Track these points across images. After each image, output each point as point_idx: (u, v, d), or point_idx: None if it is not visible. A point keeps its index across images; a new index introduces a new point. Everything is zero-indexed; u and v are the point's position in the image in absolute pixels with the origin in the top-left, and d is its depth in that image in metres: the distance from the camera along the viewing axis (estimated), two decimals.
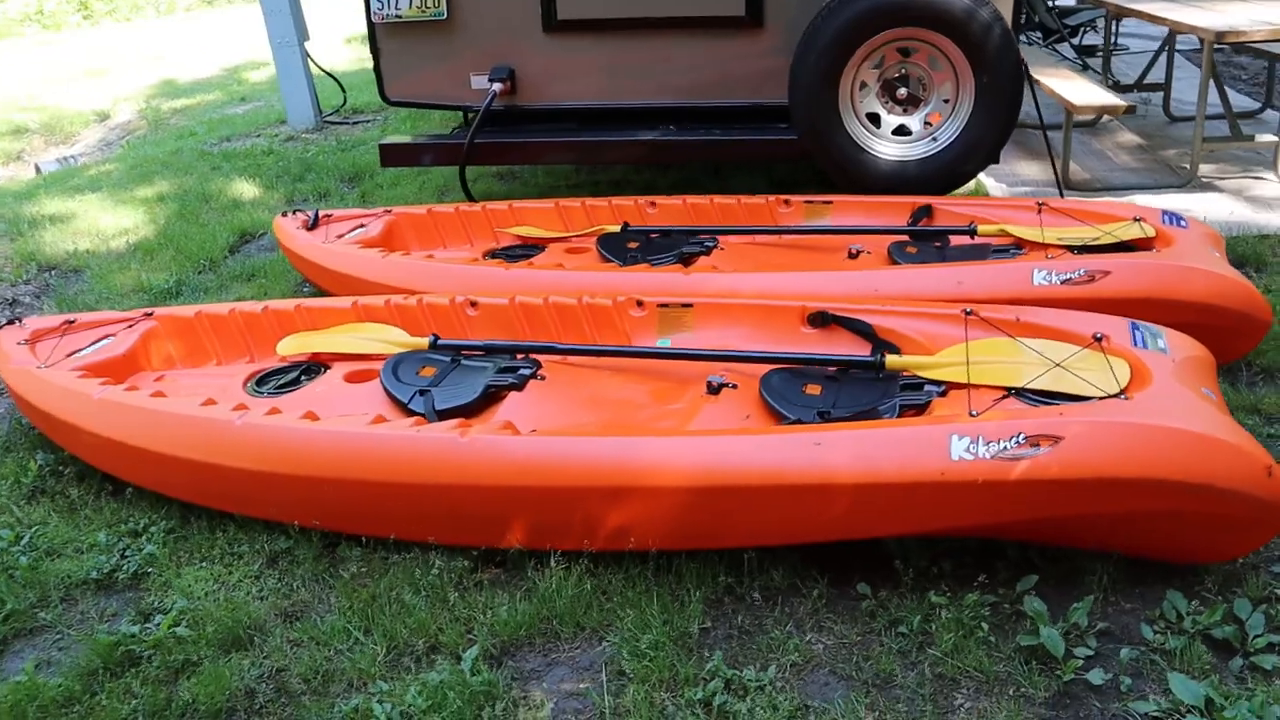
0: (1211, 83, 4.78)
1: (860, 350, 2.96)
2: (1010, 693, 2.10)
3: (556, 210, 4.44)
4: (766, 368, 2.87)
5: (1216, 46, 4.70)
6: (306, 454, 2.58)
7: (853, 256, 3.77)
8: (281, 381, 3.21)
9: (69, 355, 3.32)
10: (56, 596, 2.62)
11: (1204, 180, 5.01)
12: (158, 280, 4.74)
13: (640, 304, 3.28)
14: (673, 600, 2.37)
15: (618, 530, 2.40)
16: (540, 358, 3.08)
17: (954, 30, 3.90)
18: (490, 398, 2.91)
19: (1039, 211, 3.75)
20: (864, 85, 4.13)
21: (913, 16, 3.89)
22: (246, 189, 6.18)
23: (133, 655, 2.37)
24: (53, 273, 5.07)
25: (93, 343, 3.43)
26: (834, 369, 2.83)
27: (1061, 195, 4.61)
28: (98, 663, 2.35)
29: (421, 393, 2.92)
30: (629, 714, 2.09)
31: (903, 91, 4.11)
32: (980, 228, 3.68)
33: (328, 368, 3.26)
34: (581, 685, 2.20)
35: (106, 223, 5.73)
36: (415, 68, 4.78)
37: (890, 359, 2.75)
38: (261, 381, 3.23)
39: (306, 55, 7.64)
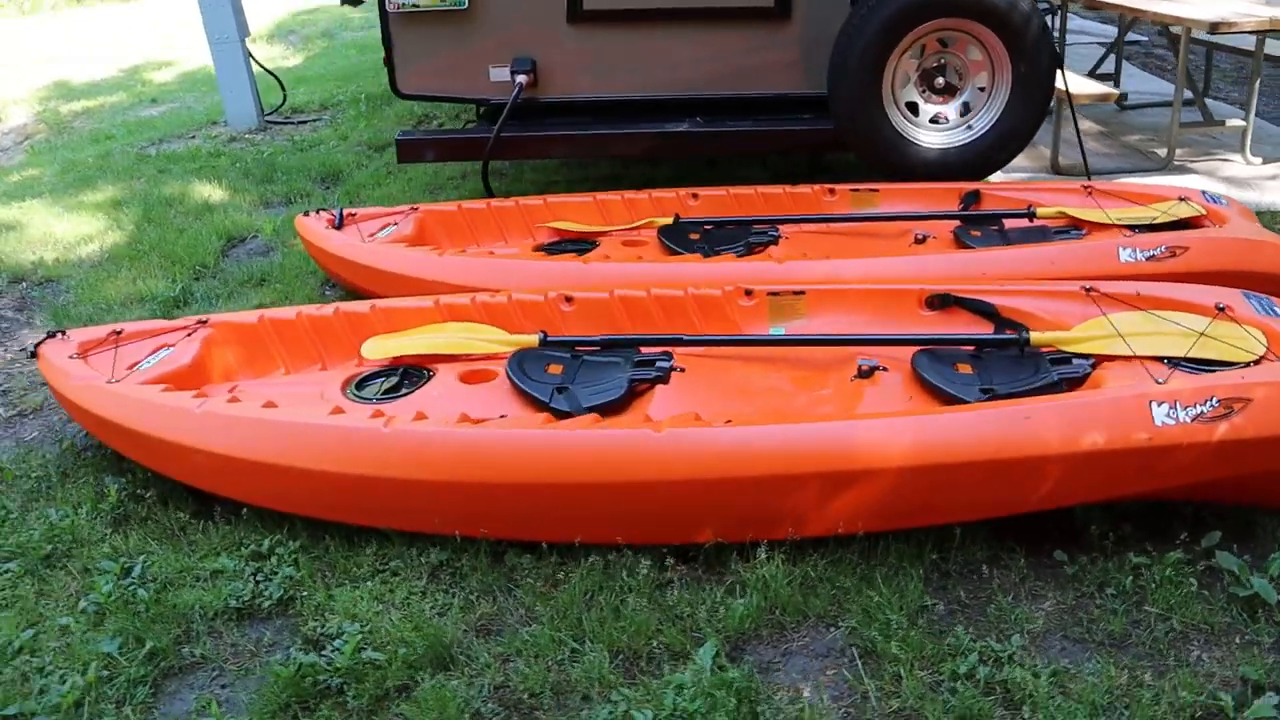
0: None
1: (978, 331, 3.02)
2: (1238, 641, 2.18)
3: (595, 204, 4.35)
4: (902, 350, 2.89)
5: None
6: (475, 459, 2.43)
7: (919, 241, 3.84)
8: (386, 386, 3.01)
9: (131, 368, 3.04)
10: (200, 629, 2.38)
11: (1177, 164, 5.34)
12: (157, 288, 4.38)
13: (749, 293, 3.24)
14: (893, 579, 2.35)
15: (829, 515, 2.36)
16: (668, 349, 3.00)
17: (996, 21, 4.03)
18: (632, 393, 2.82)
19: (1089, 194, 3.92)
20: (905, 75, 4.21)
21: (959, 7, 3.99)
22: (211, 192, 5.78)
23: (323, 685, 2.17)
24: (23, 284, 4.62)
25: (151, 353, 3.14)
26: (972, 348, 2.87)
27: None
28: (286, 696, 2.15)
29: (559, 390, 2.80)
30: (894, 695, 2.07)
31: (941, 81, 4.21)
32: (1039, 210, 3.81)
33: (429, 371, 3.09)
34: (829, 671, 2.15)
35: (63, 230, 5.26)
36: (430, 60, 4.58)
37: (1034, 335, 2.81)
38: (361, 386, 3.03)
39: (248, 53, 7.21)
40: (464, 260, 3.78)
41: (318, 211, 4.26)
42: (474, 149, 4.62)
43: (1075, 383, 2.67)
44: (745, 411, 2.73)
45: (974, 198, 4.05)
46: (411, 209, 4.35)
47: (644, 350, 3.01)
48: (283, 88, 7.78)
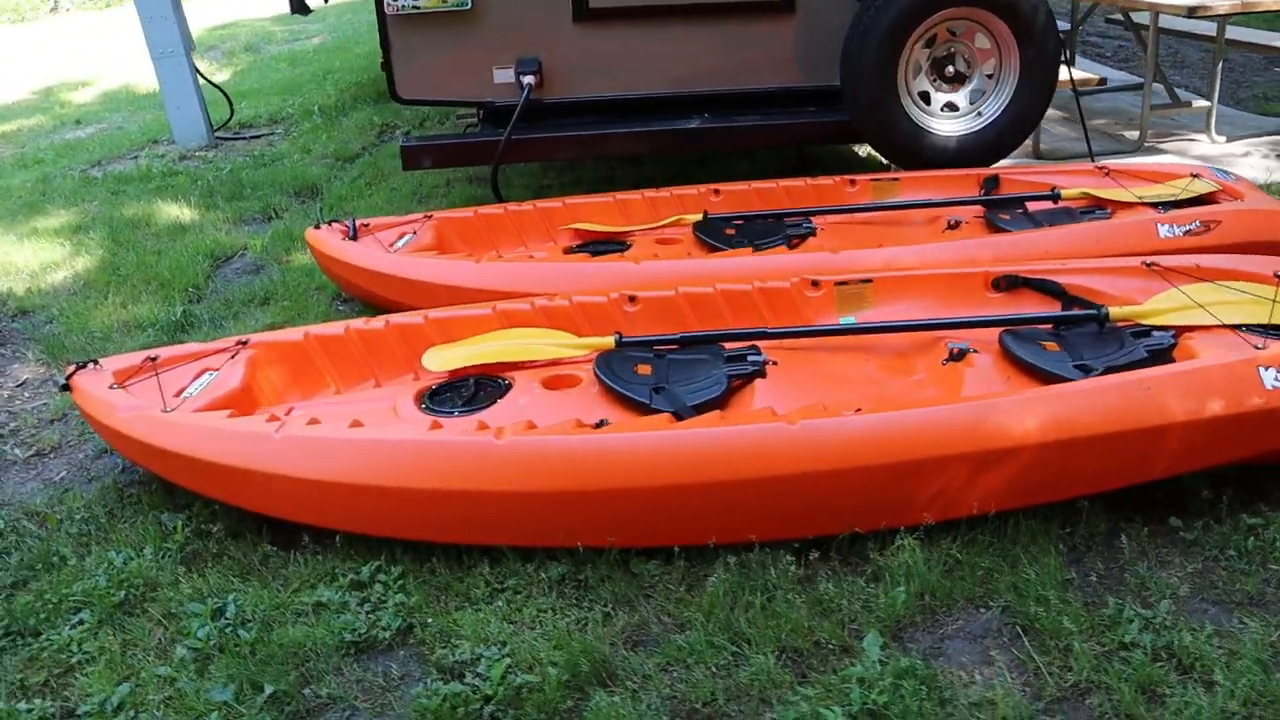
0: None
1: (1046, 310, 3.05)
2: None
3: (616, 204, 4.27)
4: (979, 332, 2.89)
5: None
6: (603, 466, 2.32)
7: (952, 227, 3.87)
8: (466, 396, 2.88)
9: (178, 395, 2.83)
10: (320, 668, 2.21)
11: (1148, 146, 5.54)
12: (153, 313, 4.11)
13: (816, 284, 3.21)
14: (1032, 556, 2.34)
15: (965, 497, 2.34)
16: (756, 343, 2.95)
17: (1006, 9, 4.10)
18: (730, 389, 2.75)
19: (1107, 174, 4.01)
20: (917, 65, 4.25)
21: None
22: (178, 211, 5.48)
23: (475, 714, 2.04)
24: None
25: (194, 378, 2.93)
26: (1050, 326, 2.90)
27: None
28: None
29: (655, 391, 2.71)
30: (1066, 669, 2.05)
31: (951, 70, 4.27)
32: (1064, 192, 3.88)
33: (504, 379, 2.96)
34: (993, 652, 2.13)
35: (23, 259, 4.92)
36: (431, 63, 4.42)
37: (1113, 310, 2.85)
38: (436, 399, 2.88)
39: (194, 66, 6.88)
40: (503, 266, 3.66)
41: (330, 223, 4.06)
42: (483, 153, 4.48)
43: (1162, 354, 2.71)
44: (850, 400, 2.69)
45: (994, 183, 4.11)
46: (426, 217, 4.19)
47: (727, 346, 2.94)
48: (230, 102, 7.46)
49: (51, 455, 3.18)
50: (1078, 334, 2.84)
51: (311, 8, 8.09)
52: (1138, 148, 5.48)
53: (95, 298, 4.36)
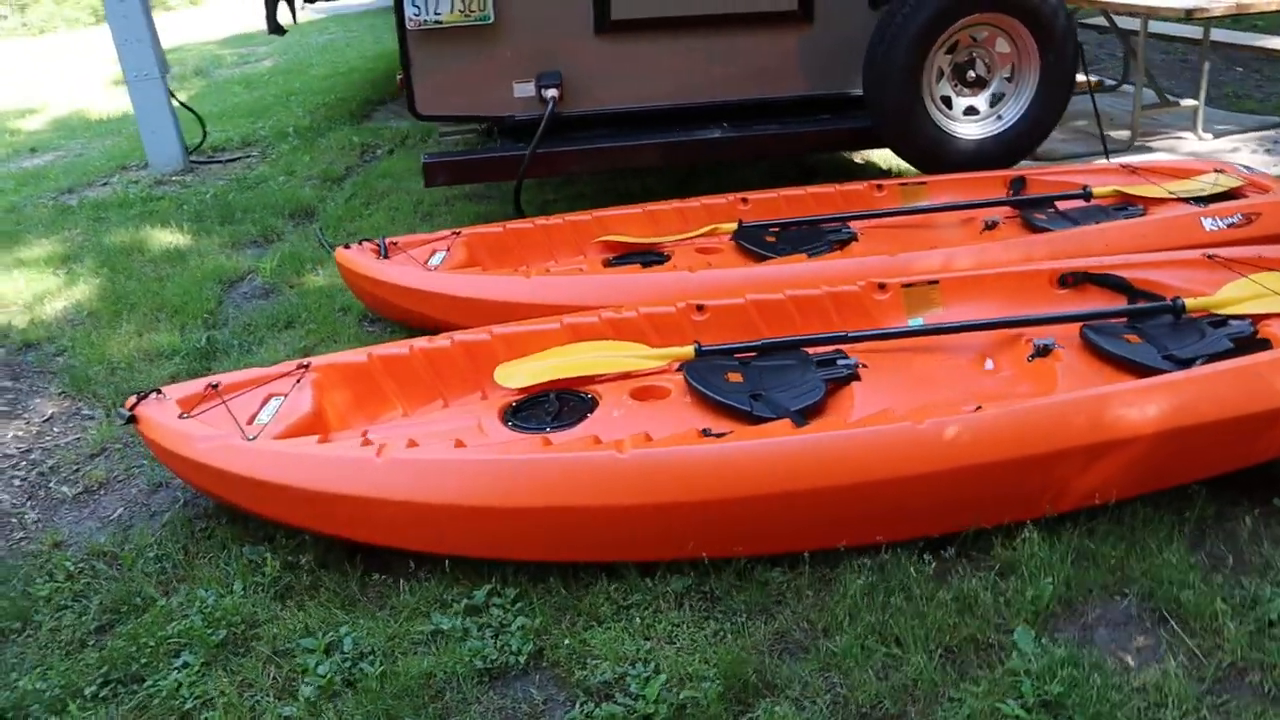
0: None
1: (1113, 305, 3.10)
2: None
3: (645, 215, 4.23)
4: (1056, 328, 2.92)
5: None
6: (734, 475, 2.28)
7: (990, 228, 3.92)
8: (552, 412, 2.80)
9: (250, 422, 2.70)
10: (455, 699, 2.12)
11: (1139, 145, 5.70)
12: (173, 341, 3.94)
13: (883, 286, 3.22)
14: (1157, 542, 2.36)
15: (1087, 487, 2.36)
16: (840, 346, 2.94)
17: (1029, 15, 4.19)
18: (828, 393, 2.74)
19: (1134, 172, 4.12)
20: (939, 71, 4.31)
21: (1000, 3, 4.13)
22: (170, 237, 5.28)
23: None
24: (1, 351, 4.06)
25: (262, 404, 2.81)
26: (1124, 320, 2.94)
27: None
28: None
29: (754, 397, 2.68)
30: (1222, 650, 2.07)
31: (972, 74, 4.34)
32: (1095, 190, 3.97)
33: (588, 394, 2.89)
34: (1139, 638, 2.14)
35: (13, 289, 4.68)
36: (452, 78, 4.34)
37: (1189, 302, 2.91)
38: (519, 415, 2.81)
39: (169, 90, 6.66)
40: (555, 280, 3.59)
41: (360, 243, 3.95)
42: (504, 169, 4.41)
43: (1245, 342, 2.77)
44: (946, 399, 2.69)
45: (1022, 183, 4.19)
46: (454, 233, 4.10)
47: (811, 350, 2.93)
48: (203, 125, 7.23)
49: (102, 491, 3.01)
50: (1155, 326, 2.89)
51: (285, 29, 7.96)
52: (1129, 147, 5.63)
53: (105, 327, 4.16)
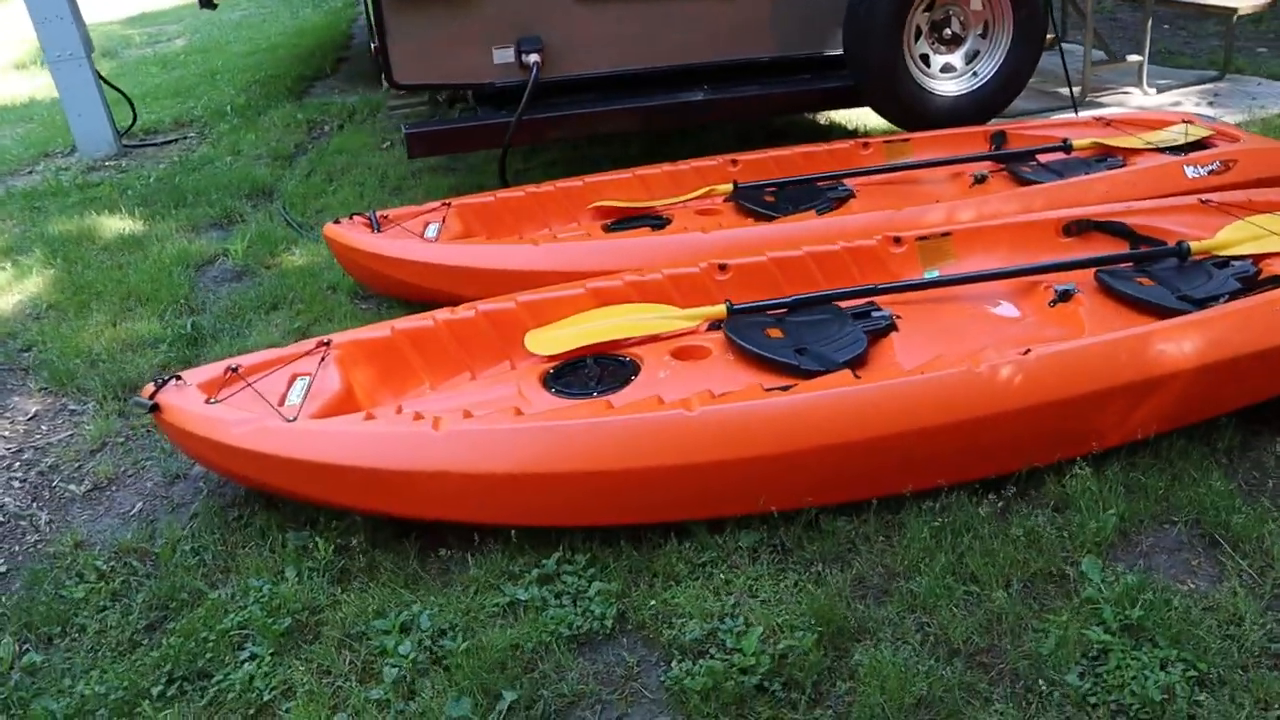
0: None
1: (1116, 251, 3.20)
2: None
3: (637, 179, 4.19)
4: (1074, 275, 3.00)
5: None
6: (805, 427, 2.29)
7: (979, 181, 4.00)
8: (594, 376, 2.77)
9: (282, 404, 2.60)
10: (549, 668, 2.09)
11: (1089, 100, 5.88)
12: (153, 329, 3.75)
13: (898, 240, 3.25)
14: (1198, 472, 2.46)
15: (1131, 423, 2.44)
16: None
17: None
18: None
19: (1108, 124, 4.24)
20: (917, 29, 4.36)
21: None
22: (120, 224, 5.01)
23: (745, 685, 1.97)
24: None
25: (289, 384, 2.70)
26: (1119, 265, 3.03)
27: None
28: (711, 709, 1.94)
29: (799, 352, 2.69)
30: (1272, 569, 2.17)
31: (948, 32, 4.41)
32: (1075, 142, 4.08)
33: (623, 357, 2.86)
34: (1194, 562, 2.23)
35: None
36: (430, 46, 4.20)
37: (1194, 244, 3.02)
38: (561, 382, 2.76)
39: (96, 70, 6.31)
40: (563, 247, 3.53)
41: (351, 217, 3.82)
42: (489, 137, 4.31)
43: (1249, 281, 2.89)
44: (983, 345, 2.73)
45: (1003, 138, 4.28)
46: (444, 204, 4.00)
47: (842, 304, 2.95)
48: (133, 107, 6.89)
49: (113, 487, 2.86)
50: (1163, 269, 2.99)
51: (216, 3, 7.64)
52: (1081, 102, 5.81)
53: (73, 319, 3.94)
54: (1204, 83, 6.02)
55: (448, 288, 3.52)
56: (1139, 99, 5.82)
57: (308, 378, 2.74)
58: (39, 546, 2.62)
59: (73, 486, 2.87)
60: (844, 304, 2.96)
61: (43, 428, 3.24)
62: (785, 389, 2.38)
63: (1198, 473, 2.47)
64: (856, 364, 2.67)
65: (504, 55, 4.30)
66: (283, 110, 7.11)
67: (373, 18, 4.12)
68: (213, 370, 2.74)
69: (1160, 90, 5.90)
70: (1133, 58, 5.96)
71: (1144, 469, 2.49)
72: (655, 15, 4.41)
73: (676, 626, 2.16)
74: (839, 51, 4.61)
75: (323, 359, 2.80)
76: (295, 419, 2.48)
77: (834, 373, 2.48)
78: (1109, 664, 1.96)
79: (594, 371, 2.80)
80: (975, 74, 4.51)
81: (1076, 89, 5.95)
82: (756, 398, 2.34)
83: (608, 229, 3.90)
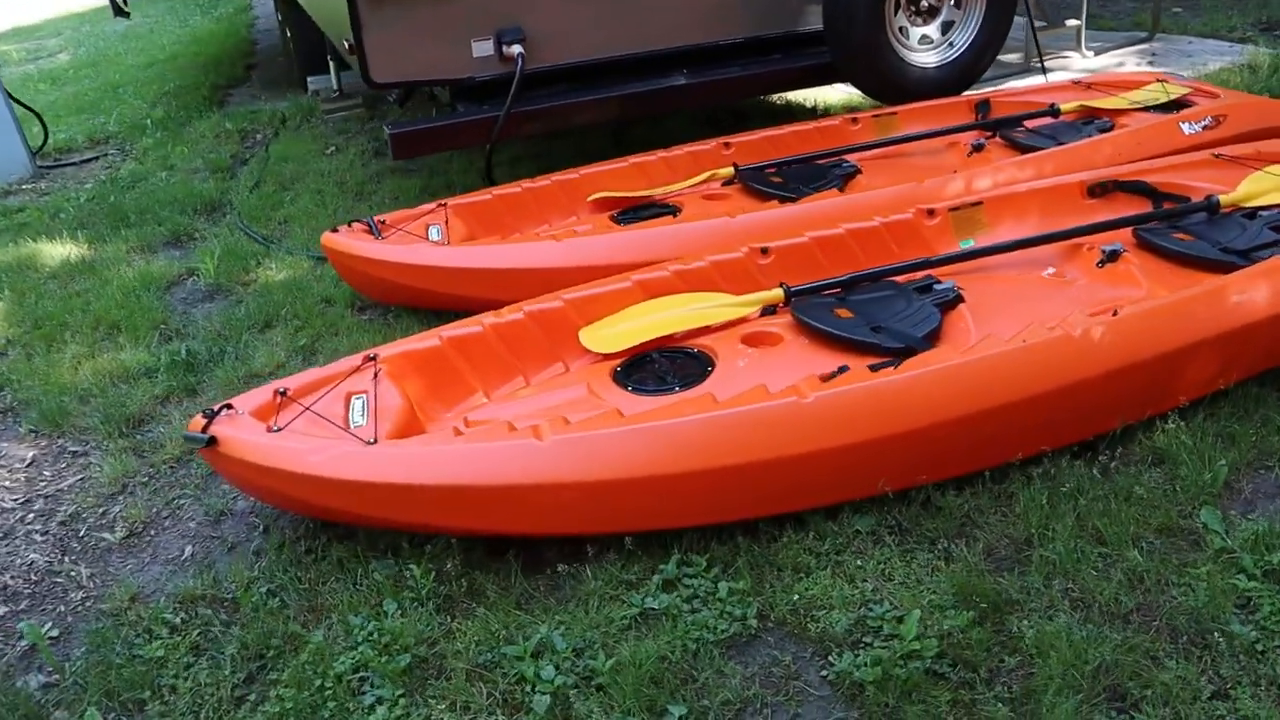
0: None
1: (1139, 210, 3.27)
2: None
3: (633, 168, 4.10)
4: (1114, 235, 3.04)
5: None
6: (918, 406, 2.26)
7: (978, 149, 4.04)
8: (669, 370, 2.67)
9: (348, 426, 2.42)
10: (709, 676, 1.99)
11: (1034, 65, 6.02)
12: (149, 358, 3.46)
13: (931, 212, 3.25)
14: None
15: (1213, 373, 2.50)
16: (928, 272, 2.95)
17: None
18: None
19: (1089, 87, 4.35)
20: (895, 2, 4.38)
21: None
22: (62, 250, 4.63)
23: (915, 670, 1.92)
24: None
25: (346, 404, 2.52)
26: (1158, 222, 3.10)
27: None
28: (889, 700, 1.88)
29: (875, 330, 2.65)
30: None
31: (925, 3, 4.44)
32: (1063, 106, 4.16)
33: (690, 349, 2.77)
34: None
35: None
36: (408, 41, 3.99)
37: (1223, 198, 3.10)
38: (635, 380, 2.65)
39: (3, 88, 5.83)
40: (589, 241, 3.42)
41: (350, 225, 3.61)
42: (475, 133, 4.14)
43: None
44: (1048, 313, 2.74)
45: (988, 106, 4.34)
46: (440, 205, 3.82)
47: (898, 280, 2.92)
48: (44, 125, 6.40)
49: (151, 531, 2.62)
50: (1196, 224, 3.07)
51: (129, 11, 7.18)
52: (1027, 68, 5.95)
53: (43, 354, 3.60)
54: (1136, 44, 6.25)
55: (466, 291, 3.37)
56: (1080, 62, 6.01)
57: (365, 396, 2.56)
58: (88, 604, 2.37)
59: (106, 535, 2.61)
60: (901, 279, 2.94)
61: (45, 473, 2.94)
62: (893, 367, 2.33)
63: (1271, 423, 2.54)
64: (934, 338, 2.65)
65: (483, 48, 4.13)
66: (208, 121, 6.71)
67: (346, 13, 3.87)
68: (261, 396, 2.53)
69: (1098, 52, 6.10)
70: (1071, 22, 6.14)
71: (1226, 418, 2.54)
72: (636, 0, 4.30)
73: (820, 619, 2.09)
74: (810, 28, 4.60)
75: (375, 375, 2.62)
76: (375, 441, 2.30)
77: (920, 349, 2.46)
78: (1263, 611, 1.98)
79: (665, 366, 2.70)
80: (951, 44, 4.56)
81: (1019, 56, 6.12)
82: (866, 379, 2.29)
83: (616, 220, 3.79)
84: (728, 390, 2.43)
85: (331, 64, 6.58)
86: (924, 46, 4.54)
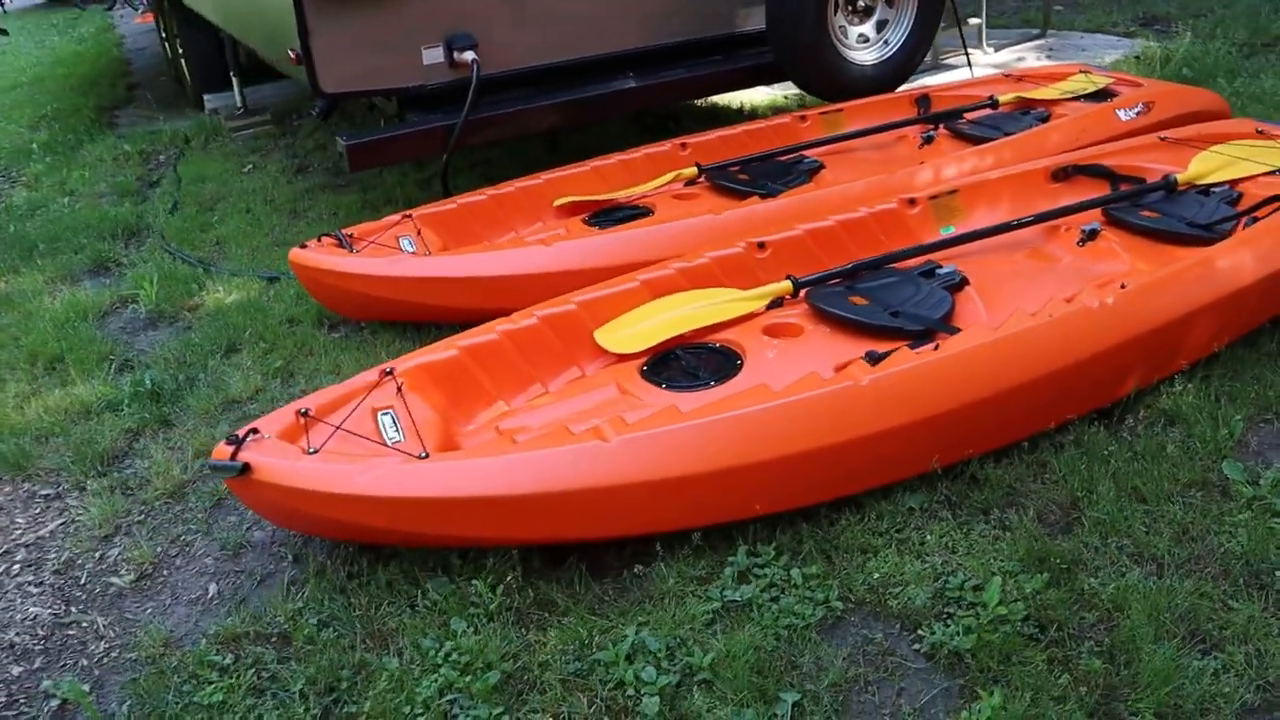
0: None
1: (1098, 191, 3.46)
2: None
3: (594, 172, 4.07)
4: (1086, 215, 3.20)
5: None
6: (969, 381, 2.33)
7: (928, 142, 4.19)
8: (697, 366, 2.65)
9: (387, 444, 2.31)
10: (808, 662, 1.98)
11: (941, 62, 6.29)
12: (109, 392, 3.22)
13: (913, 201, 3.35)
14: (1269, 371, 2.71)
15: (1209, 336, 2.68)
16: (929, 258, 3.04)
17: None
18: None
19: (1020, 79, 4.58)
20: (835, 2, 4.50)
21: None
22: None
23: (1008, 634, 1.97)
24: None
25: (375, 420, 2.41)
26: (1123, 202, 3.29)
27: None
28: (990, 662, 1.92)
29: (894, 315, 2.71)
30: None
31: (861, 3, 4.58)
32: (1001, 98, 4.36)
33: (711, 344, 2.77)
34: None
35: None
36: (357, 49, 3.84)
37: (1179, 176, 3.31)
38: (667, 378, 2.62)
39: None
40: (582, 244, 3.38)
41: (320, 239, 3.45)
42: (431, 142, 4.02)
43: (1235, 203, 3.21)
44: (1047, 290, 2.87)
45: (927, 101, 4.51)
46: (405, 216, 3.70)
47: (897, 266, 3.00)
48: None
49: (164, 571, 2.42)
50: (1157, 201, 3.26)
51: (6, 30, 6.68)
52: (935, 64, 6.21)
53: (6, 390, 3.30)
54: (1030, 40, 6.62)
55: (454, 302, 3.29)
56: (981, 58, 6.31)
57: (391, 411, 2.45)
58: (114, 654, 2.17)
59: (113, 579, 2.40)
60: (900, 265, 3.02)
61: (18, 521, 2.69)
62: (934, 347, 2.39)
63: (1269, 373, 2.72)
64: (949, 319, 2.73)
65: (434, 55, 4.02)
66: (101, 143, 6.31)
67: (294, 20, 3.70)
68: (284, 418, 2.38)
69: (998, 49, 6.44)
70: (973, 20, 6.45)
71: (1220, 379, 2.71)
72: (585, 2, 4.28)
73: (899, 595, 2.12)
74: (749, 29, 4.69)
75: (399, 389, 2.51)
76: (426, 455, 2.20)
77: (939, 330, 2.54)
78: None
79: (692, 362, 2.69)
80: (887, 42, 4.73)
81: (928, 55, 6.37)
82: (910, 361, 2.34)
83: (589, 223, 3.75)
84: (767, 380, 2.44)
85: (234, 80, 6.29)
86: (861, 45, 4.69)
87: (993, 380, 2.34)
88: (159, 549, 2.50)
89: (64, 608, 2.33)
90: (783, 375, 2.51)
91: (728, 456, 2.17)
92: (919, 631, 2.04)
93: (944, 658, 1.97)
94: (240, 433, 2.27)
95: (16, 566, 2.50)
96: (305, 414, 2.39)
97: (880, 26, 4.72)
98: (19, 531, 2.64)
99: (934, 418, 2.30)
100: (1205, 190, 3.29)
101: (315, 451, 2.24)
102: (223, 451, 2.23)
